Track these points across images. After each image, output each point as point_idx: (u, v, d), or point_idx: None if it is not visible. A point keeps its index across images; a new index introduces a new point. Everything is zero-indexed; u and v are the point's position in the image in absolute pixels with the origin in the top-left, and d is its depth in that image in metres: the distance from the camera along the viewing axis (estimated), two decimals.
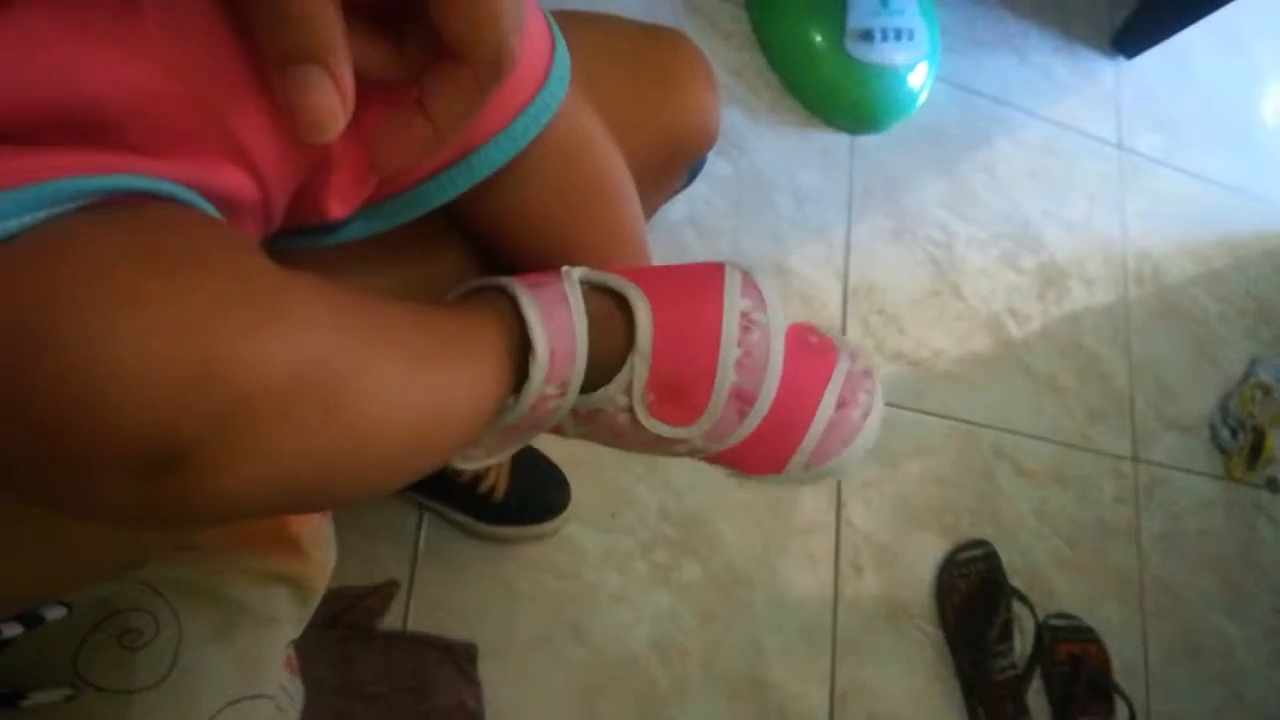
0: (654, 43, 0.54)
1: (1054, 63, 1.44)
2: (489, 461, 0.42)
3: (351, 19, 0.28)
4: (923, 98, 1.25)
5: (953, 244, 1.25)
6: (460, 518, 0.87)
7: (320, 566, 0.55)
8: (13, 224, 0.25)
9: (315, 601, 0.55)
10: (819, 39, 1.16)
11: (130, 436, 0.23)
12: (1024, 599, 1.10)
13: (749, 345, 0.39)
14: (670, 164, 0.55)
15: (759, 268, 0.43)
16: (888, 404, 1.13)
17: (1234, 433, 1.34)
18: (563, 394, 0.39)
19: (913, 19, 1.20)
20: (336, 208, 0.37)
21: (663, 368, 0.39)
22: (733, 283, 0.40)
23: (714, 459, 0.44)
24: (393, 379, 0.30)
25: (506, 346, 0.38)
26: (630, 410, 0.40)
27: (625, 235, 0.47)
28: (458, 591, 0.87)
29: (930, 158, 1.27)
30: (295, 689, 0.55)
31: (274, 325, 0.26)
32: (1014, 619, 1.09)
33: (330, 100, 0.28)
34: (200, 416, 0.24)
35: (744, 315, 0.40)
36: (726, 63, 1.17)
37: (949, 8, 1.34)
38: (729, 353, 0.39)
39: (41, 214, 0.26)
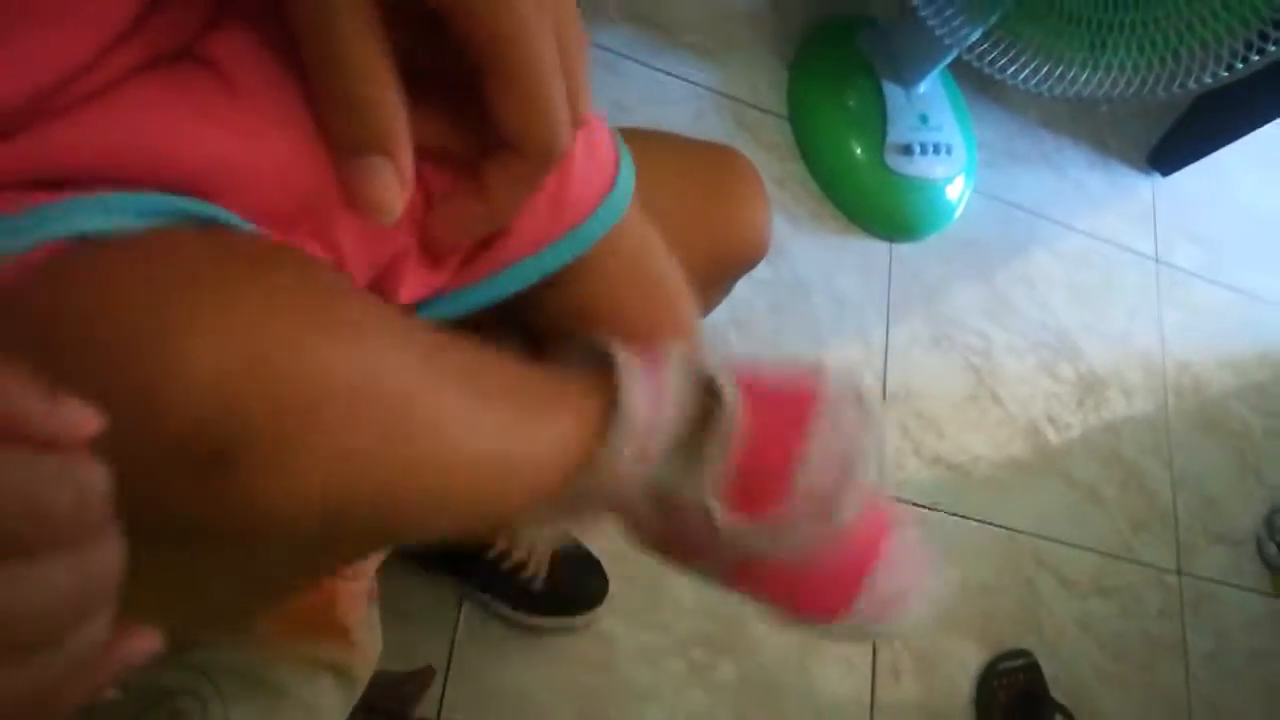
0: (711, 159, 0.56)
1: (1090, 178, 1.47)
2: (547, 529, 0.41)
3: (414, 106, 0.30)
4: (960, 209, 1.29)
5: (991, 351, 1.27)
6: (499, 606, 0.87)
7: (366, 656, 0.56)
8: (105, 221, 0.26)
9: (359, 692, 0.56)
10: (859, 151, 1.20)
11: (191, 423, 0.24)
12: (1068, 713, 1.08)
13: (834, 440, 0.38)
14: (723, 275, 0.57)
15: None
16: (927, 507, 1.13)
17: None
18: (644, 464, 0.38)
19: (951, 134, 1.25)
20: (406, 294, 0.38)
21: (745, 456, 0.38)
22: (827, 380, 0.39)
23: (775, 591, 0.43)
24: (459, 414, 0.30)
25: (596, 415, 0.37)
26: (705, 511, 0.39)
27: (683, 333, 0.48)
28: (494, 680, 0.87)
29: (968, 267, 1.30)
30: None
31: (339, 332, 0.27)
32: None
33: (390, 187, 0.30)
34: (257, 410, 0.24)
35: (834, 411, 0.39)
36: (770, 172, 1.22)
37: (986, 123, 1.39)
38: (816, 446, 0.38)
39: (129, 220, 0.27)
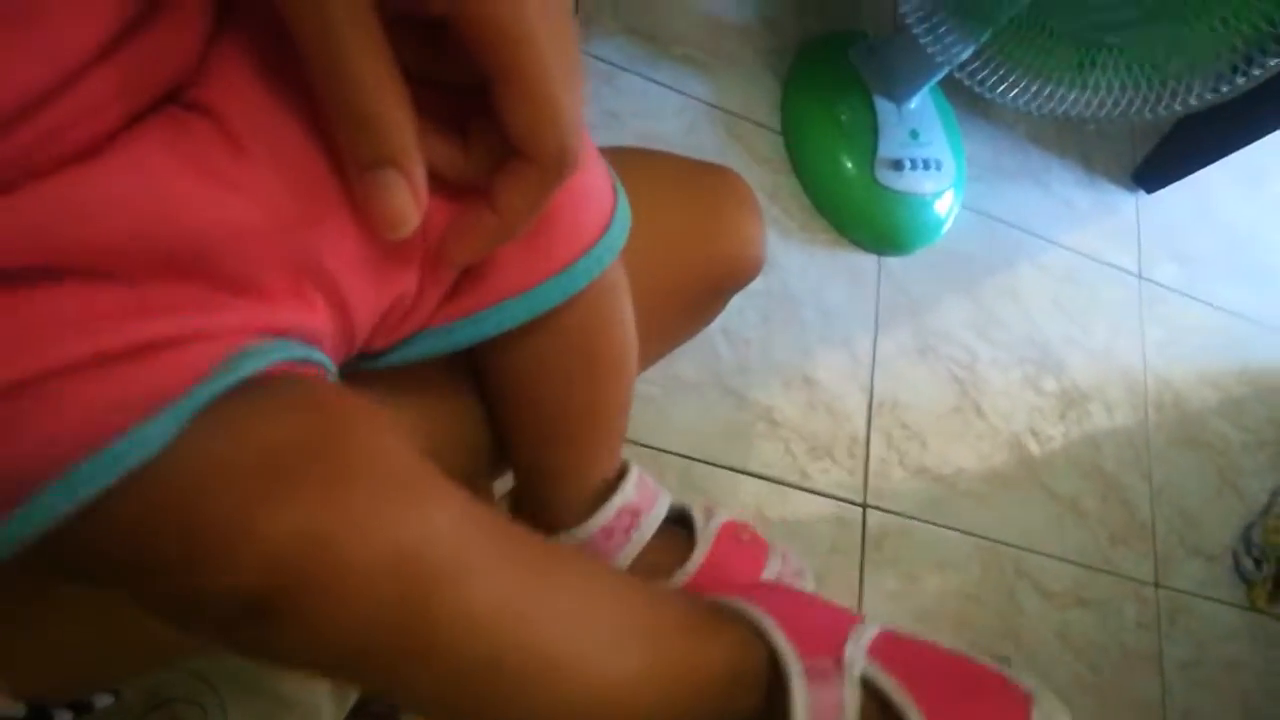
0: (705, 177, 0.57)
1: (1076, 194, 1.49)
2: None
3: (424, 122, 0.30)
4: (948, 224, 1.30)
5: (976, 364, 1.29)
6: None
7: None
8: (165, 436, 0.27)
9: (353, 697, 0.57)
10: (850, 166, 1.22)
11: (241, 582, 0.26)
12: None
13: None
14: (716, 292, 0.58)
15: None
16: (910, 517, 1.15)
17: (1257, 563, 1.34)
18: None
19: (940, 150, 1.26)
20: (382, 340, 0.38)
21: None
22: None
23: None
24: (498, 604, 0.31)
25: (711, 677, 0.35)
26: None
27: (615, 420, 0.48)
28: None
29: (955, 281, 1.32)
30: None
31: (387, 505, 0.28)
32: None
33: (405, 200, 0.30)
34: (302, 578, 0.27)
35: None
36: (762, 184, 1.23)
37: (975, 139, 1.41)
38: None
39: (185, 422, 0.27)
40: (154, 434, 0.26)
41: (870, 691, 0.36)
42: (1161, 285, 1.50)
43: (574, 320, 0.41)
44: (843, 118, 1.23)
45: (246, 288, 0.30)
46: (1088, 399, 1.35)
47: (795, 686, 0.35)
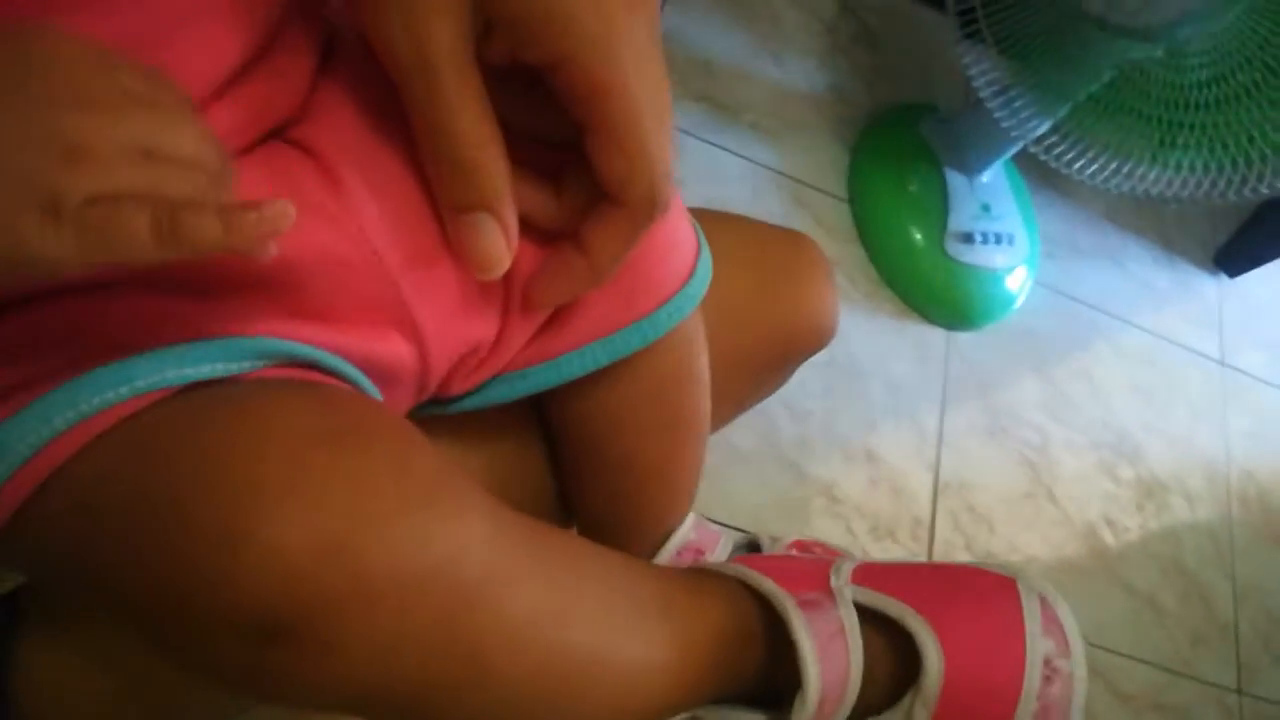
0: (779, 242, 0.56)
1: (1154, 275, 1.44)
2: None
3: (517, 169, 0.32)
4: (1020, 300, 1.27)
5: (1048, 447, 1.23)
6: None
7: None
8: (192, 371, 0.28)
9: None
10: (919, 238, 1.20)
11: (252, 597, 0.24)
12: None
13: (1049, 699, 0.36)
14: (786, 358, 0.57)
15: (1036, 582, 0.38)
16: None
17: None
18: None
19: (1013, 224, 1.23)
20: (458, 385, 0.38)
21: (947, 715, 0.35)
22: (1033, 619, 0.37)
23: None
24: (539, 610, 0.30)
25: (721, 639, 0.35)
26: None
27: (685, 477, 0.47)
28: None
29: (1027, 359, 1.28)
30: None
31: (413, 513, 0.26)
32: None
33: (497, 243, 0.31)
34: (317, 593, 0.24)
35: (1046, 663, 0.36)
36: (827, 253, 1.20)
37: (1050, 215, 1.37)
38: (1026, 707, 0.35)
39: (218, 366, 0.28)
40: (169, 356, 0.26)
41: (864, 612, 0.37)
42: (1245, 373, 1.43)
43: (651, 370, 0.41)
44: (912, 188, 1.21)
45: (322, 314, 0.31)
46: (1167, 490, 1.28)
47: (793, 617, 0.35)
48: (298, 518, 0.24)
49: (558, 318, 0.38)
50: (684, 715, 0.37)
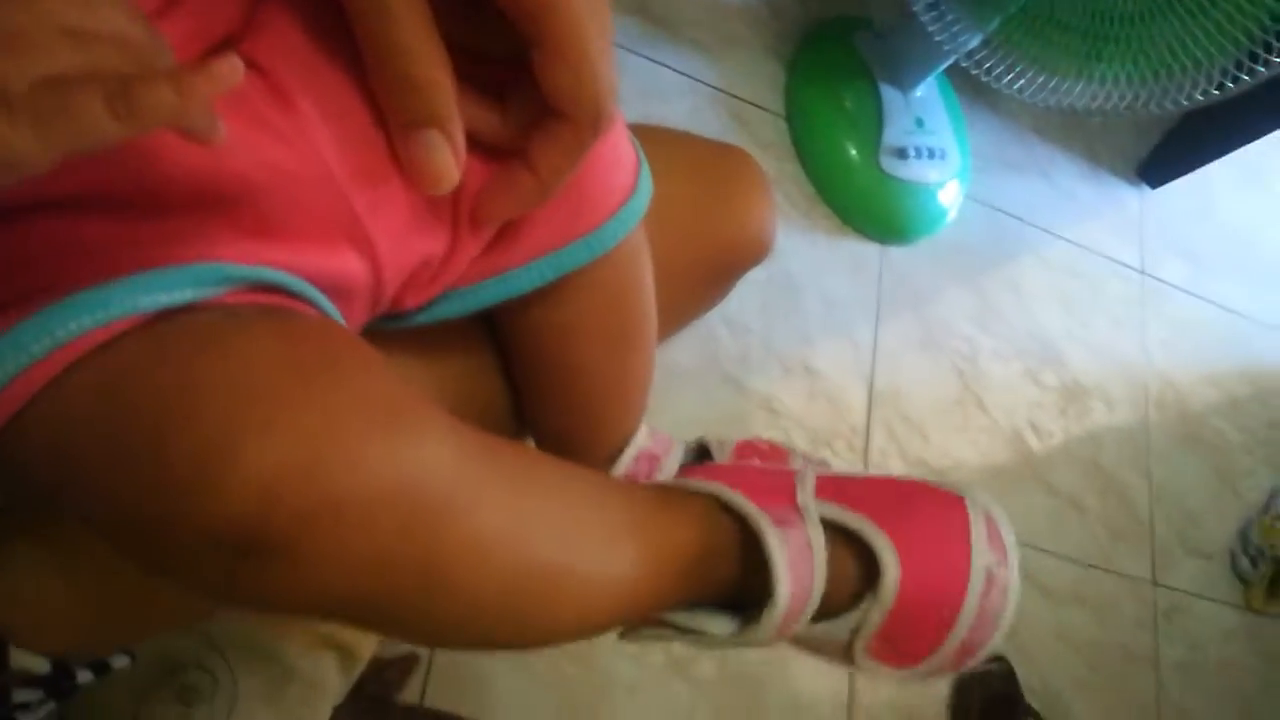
0: (717, 157, 0.57)
1: (1080, 187, 1.48)
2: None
3: (463, 86, 0.32)
4: (952, 214, 1.29)
5: (977, 357, 1.27)
6: None
7: (369, 635, 0.56)
8: (165, 298, 0.28)
9: (358, 671, 0.56)
10: (854, 153, 1.21)
11: (226, 518, 0.25)
12: (1040, 718, 1.09)
13: (989, 603, 0.38)
14: (725, 271, 0.58)
15: (976, 495, 0.41)
16: None
17: (1254, 562, 1.33)
18: (781, 637, 0.38)
19: (945, 139, 1.25)
20: (411, 300, 0.39)
21: (898, 618, 0.38)
22: (979, 532, 0.39)
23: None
24: (502, 528, 0.31)
25: (691, 555, 0.37)
26: (847, 646, 0.39)
27: (637, 389, 0.48)
28: (475, 669, 0.87)
29: (958, 272, 1.31)
30: None
31: (380, 436, 0.28)
32: None
33: (446, 159, 0.32)
34: (290, 512, 0.25)
35: (988, 572, 0.39)
36: (764, 170, 1.22)
37: (980, 130, 1.39)
38: (969, 611, 0.38)
39: (189, 293, 0.28)
40: (139, 283, 0.26)
41: (826, 525, 0.39)
42: (1164, 282, 1.49)
43: (599, 283, 0.42)
44: (847, 104, 1.22)
45: (276, 232, 0.31)
46: (1089, 394, 1.34)
47: (770, 537, 0.37)
48: (272, 442, 0.25)
49: (506, 234, 0.38)
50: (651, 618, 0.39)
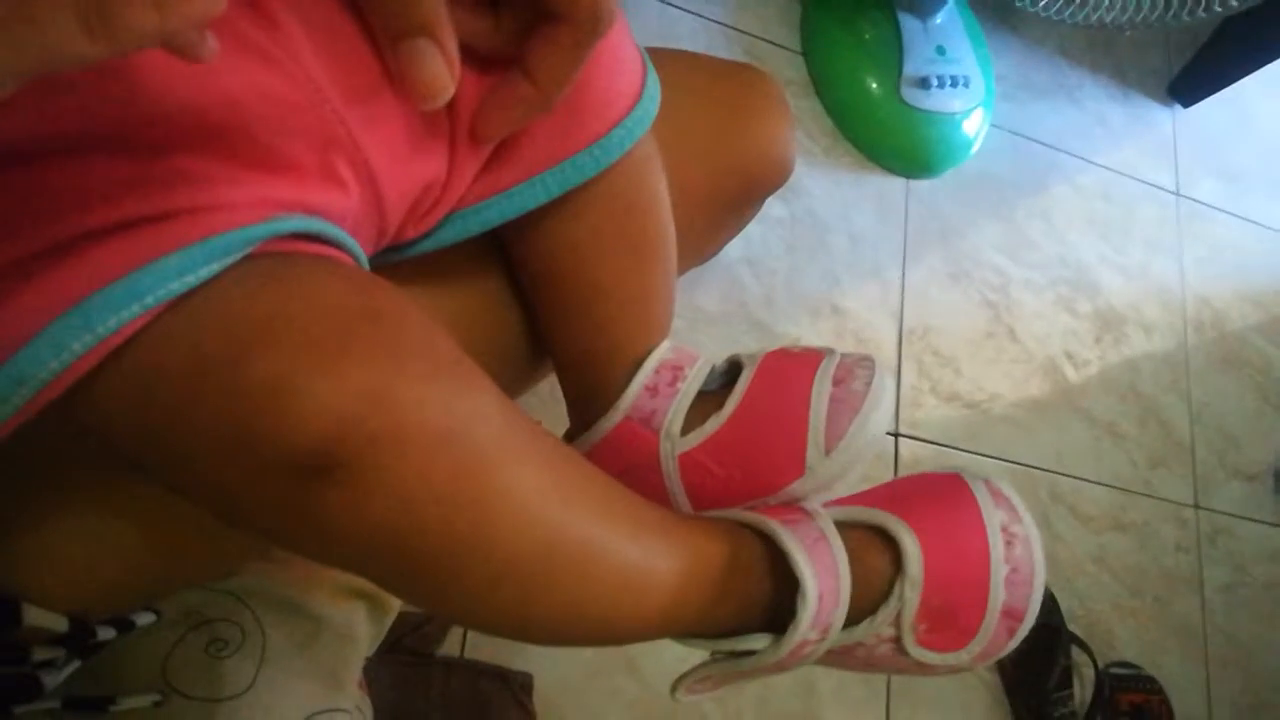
0: (733, 77, 0.55)
1: (1110, 110, 1.44)
2: (710, 694, 0.41)
3: None
4: (978, 144, 1.26)
5: (1008, 288, 1.25)
6: None
7: None
8: (201, 273, 0.28)
9: (389, 621, 0.56)
10: (875, 86, 1.18)
11: (305, 435, 0.26)
12: (1084, 646, 1.08)
13: (1015, 560, 0.38)
14: (746, 195, 0.56)
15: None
16: (943, 445, 1.13)
17: None
18: (823, 638, 0.37)
19: (968, 66, 1.22)
20: (413, 229, 0.38)
21: (933, 595, 0.38)
22: (983, 496, 0.39)
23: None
24: (544, 489, 0.31)
25: (719, 565, 0.36)
26: (896, 640, 0.38)
27: (657, 304, 0.46)
28: None
29: (985, 202, 1.28)
30: (366, 707, 0.56)
31: (441, 381, 0.29)
32: (1073, 666, 1.07)
33: (439, 69, 0.31)
34: (361, 436, 0.27)
35: (1004, 530, 0.38)
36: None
37: (1004, 55, 1.36)
38: (999, 571, 0.38)
39: (215, 266, 0.28)
40: (171, 267, 0.27)
41: (840, 525, 0.39)
42: (1199, 202, 1.45)
43: (608, 194, 0.41)
44: (866, 35, 1.19)
45: (276, 163, 0.31)
46: (1124, 321, 1.31)
47: (777, 528, 0.37)
48: (349, 372, 0.27)
49: (506, 148, 0.37)
50: (700, 645, 0.39)
